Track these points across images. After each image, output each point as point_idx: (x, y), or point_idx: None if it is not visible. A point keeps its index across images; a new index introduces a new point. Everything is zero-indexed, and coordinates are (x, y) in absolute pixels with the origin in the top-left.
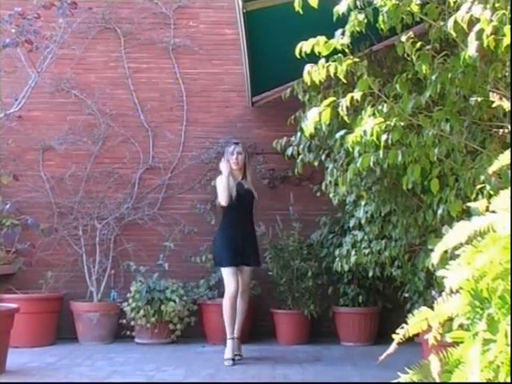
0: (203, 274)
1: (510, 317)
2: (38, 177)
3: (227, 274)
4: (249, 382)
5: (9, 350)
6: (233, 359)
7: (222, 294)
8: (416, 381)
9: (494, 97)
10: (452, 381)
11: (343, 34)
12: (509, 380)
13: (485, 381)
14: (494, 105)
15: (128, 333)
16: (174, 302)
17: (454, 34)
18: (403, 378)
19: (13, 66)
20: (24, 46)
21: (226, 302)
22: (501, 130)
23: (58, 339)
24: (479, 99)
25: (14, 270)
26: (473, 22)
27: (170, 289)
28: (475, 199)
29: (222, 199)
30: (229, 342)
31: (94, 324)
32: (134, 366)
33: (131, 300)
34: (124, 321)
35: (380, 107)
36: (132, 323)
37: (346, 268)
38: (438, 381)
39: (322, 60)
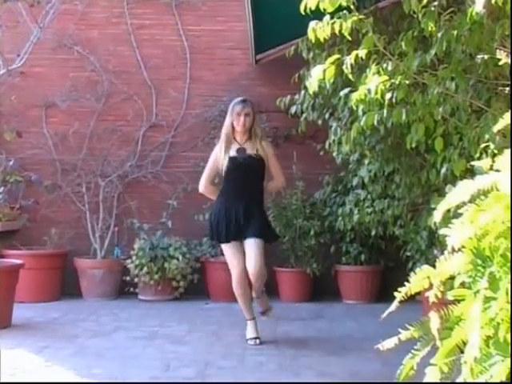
0: (206, 232)
1: (510, 275)
2: (41, 134)
3: (227, 251)
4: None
5: (14, 305)
6: (257, 337)
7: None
8: (416, 337)
9: (500, 54)
10: (453, 339)
11: None
12: (508, 336)
13: (484, 338)
14: (500, 62)
15: (131, 289)
16: (177, 259)
17: None
18: (404, 334)
19: (15, 21)
20: (26, 0)
21: (234, 287)
22: (506, 89)
23: (62, 295)
24: (486, 57)
25: (18, 227)
26: None
27: (174, 246)
28: (479, 158)
29: (201, 180)
30: (248, 324)
31: (97, 280)
32: (138, 322)
33: (135, 257)
34: (127, 277)
35: (385, 65)
36: (135, 280)
37: (349, 227)
38: (437, 337)
39: (327, 17)
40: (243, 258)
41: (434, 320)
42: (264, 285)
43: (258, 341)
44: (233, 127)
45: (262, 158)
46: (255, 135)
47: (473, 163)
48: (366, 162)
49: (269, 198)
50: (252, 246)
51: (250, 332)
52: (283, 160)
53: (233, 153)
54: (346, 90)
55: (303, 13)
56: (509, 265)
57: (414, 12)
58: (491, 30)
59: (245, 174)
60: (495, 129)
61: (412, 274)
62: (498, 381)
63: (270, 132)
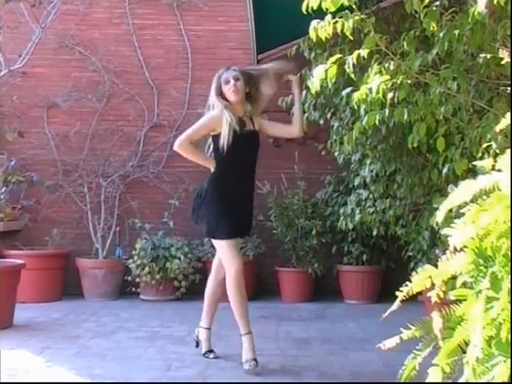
0: None
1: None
2: (43, 134)
3: (227, 248)
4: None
5: (16, 305)
6: (254, 360)
7: None
8: (418, 337)
9: (503, 53)
10: (455, 339)
11: None
12: (510, 337)
13: (486, 338)
14: (502, 62)
15: (133, 289)
16: (179, 259)
17: None
18: (405, 333)
19: (16, 22)
20: (27, 0)
21: (232, 285)
22: (508, 89)
23: (64, 295)
24: (488, 56)
25: (19, 227)
26: None
27: (175, 246)
28: (481, 158)
29: (180, 138)
30: (245, 339)
31: (99, 281)
32: (139, 322)
33: (136, 257)
34: (129, 278)
35: (387, 65)
36: (137, 280)
37: (351, 227)
38: (439, 337)
39: (329, 16)
40: (240, 253)
41: (437, 320)
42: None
43: (253, 363)
44: (226, 100)
45: (258, 132)
46: (252, 108)
47: (474, 163)
48: (368, 161)
49: (270, 198)
50: (240, 242)
51: (247, 352)
52: (285, 160)
53: (236, 127)
54: (348, 90)
55: (305, 12)
56: (510, 265)
57: (416, 12)
58: (493, 30)
59: (246, 153)
60: (497, 129)
61: (414, 273)
62: (500, 381)
63: None
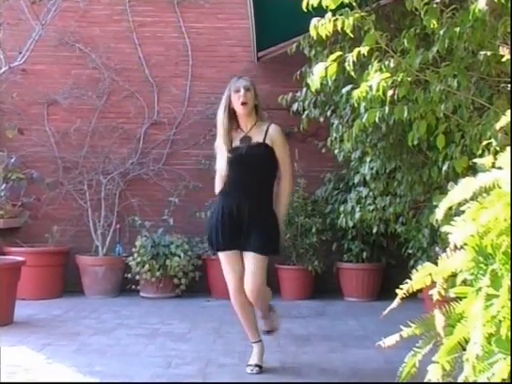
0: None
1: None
2: (43, 131)
3: (222, 261)
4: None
5: (16, 302)
6: (258, 366)
7: None
8: (418, 334)
9: (503, 51)
10: (455, 336)
11: None
12: (510, 334)
13: (486, 335)
14: (503, 59)
15: (133, 287)
16: (179, 256)
17: None
18: (405, 331)
19: (16, 19)
20: None
21: (232, 303)
22: (509, 86)
23: (64, 292)
24: (488, 53)
25: (19, 224)
26: None
27: (175, 244)
28: (481, 156)
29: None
30: (254, 346)
31: (99, 278)
32: (139, 320)
33: (136, 255)
34: (129, 275)
35: (387, 62)
36: (137, 277)
37: (351, 224)
38: (442, 335)
39: (329, 14)
40: (241, 270)
41: (439, 318)
42: (270, 303)
43: (256, 369)
44: (234, 112)
45: (271, 146)
46: (261, 118)
47: (475, 161)
48: (368, 159)
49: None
50: (251, 261)
51: (253, 356)
52: None
53: (236, 143)
54: (348, 88)
55: (305, 10)
56: (510, 262)
57: (416, 9)
58: (493, 28)
59: (247, 168)
60: (497, 126)
61: (414, 271)
62: (500, 378)
63: None
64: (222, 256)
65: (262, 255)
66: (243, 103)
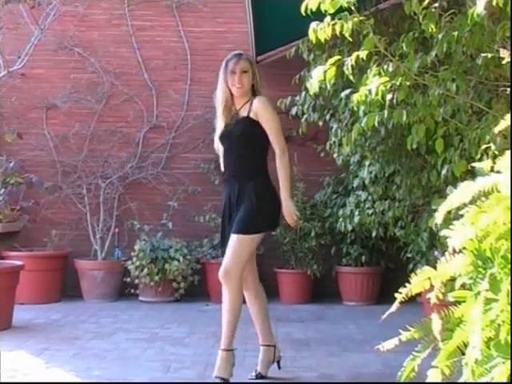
0: (207, 233)
1: (511, 277)
2: (42, 135)
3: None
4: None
5: (14, 307)
6: (223, 379)
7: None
8: (417, 338)
9: (503, 53)
10: (454, 341)
11: None
12: (509, 338)
13: (485, 339)
14: (503, 62)
15: (132, 291)
16: (178, 260)
17: None
18: (404, 335)
19: (15, 23)
20: (26, 2)
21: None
22: (507, 90)
23: (63, 297)
24: (489, 55)
25: (18, 228)
26: None
27: (174, 248)
28: (480, 159)
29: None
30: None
31: (98, 282)
32: (138, 324)
33: (135, 258)
34: (128, 279)
35: (386, 66)
36: (136, 281)
37: (350, 228)
38: (439, 339)
39: (328, 18)
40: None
41: (436, 322)
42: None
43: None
44: (231, 92)
45: (255, 119)
46: (257, 96)
47: (473, 164)
48: (367, 163)
49: None
50: (229, 243)
51: (217, 367)
52: None
53: (227, 121)
54: (347, 91)
55: (304, 14)
56: (510, 266)
57: (415, 13)
58: (492, 32)
59: (232, 145)
60: (496, 130)
61: (413, 275)
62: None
63: None
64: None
65: (238, 234)
66: (240, 85)
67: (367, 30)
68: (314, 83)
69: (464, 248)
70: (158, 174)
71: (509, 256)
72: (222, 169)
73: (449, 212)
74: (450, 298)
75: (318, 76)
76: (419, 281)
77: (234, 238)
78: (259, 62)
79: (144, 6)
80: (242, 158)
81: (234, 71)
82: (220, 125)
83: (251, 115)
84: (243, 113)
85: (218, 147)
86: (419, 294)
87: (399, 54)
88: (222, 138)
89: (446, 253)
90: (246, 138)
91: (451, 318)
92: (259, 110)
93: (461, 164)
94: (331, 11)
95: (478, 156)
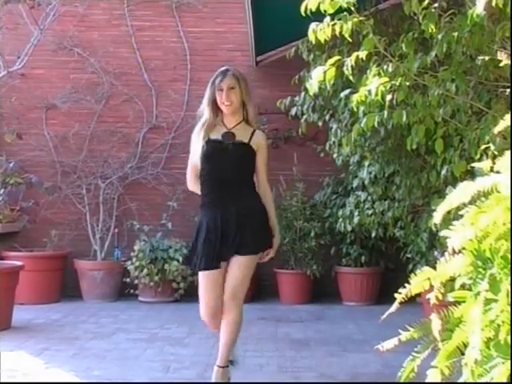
0: None
1: (511, 277)
2: (42, 135)
3: (200, 280)
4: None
5: (14, 307)
6: None
7: None
8: (416, 338)
9: (501, 55)
10: (453, 341)
11: None
12: (509, 338)
13: (485, 340)
14: (501, 64)
15: (132, 291)
16: (178, 261)
17: None
18: (404, 335)
19: (15, 23)
20: (26, 2)
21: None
22: (507, 91)
23: (62, 297)
24: (486, 58)
25: (18, 228)
26: None
27: (174, 248)
28: (479, 160)
29: (187, 177)
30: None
31: (98, 282)
32: (138, 324)
33: (135, 259)
34: (128, 279)
35: (385, 67)
36: (136, 282)
37: (349, 228)
38: (438, 339)
39: (328, 18)
40: (217, 290)
41: (436, 322)
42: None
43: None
44: (217, 111)
45: (255, 150)
46: (249, 118)
47: (473, 165)
48: (367, 163)
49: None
50: (238, 264)
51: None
52: (283, 162)
53: (217, 136)
54: (347, 92)
55: (303, 14)
56: (509, 266)
57: (415, 14)
58: (491, 32)
59: (230, 164)
60: (495, 130)
61: (412, 275)
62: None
63: (269, 134)
64: (203, 275)
65: (251, 255)
66: (230, 105)
67: (367, 31)
68: (313, 83)
69: (464, 248)
70: (158, 174)
71: (508, 256)
72: (190, 183)
73: (448, 212)
74: (450, 298)
75: (318, 76)
76: (419, 281)
77: (245, 260)
78: (259, 63)
79: (143, 6)
80: (241, 180)
81: (221, 88)
82: (204, 138)
83: (252, 144)
84: (242, 137)
85: (197, 161)
86: (419, 295)
87: (399, 55)
88: (214, 153)
89: (446, 253)
90: (247, 159)
91: (451, 318)
92: (261, 146)
93: (460, 164)
94: (331, 11)
95: (478, 156)
